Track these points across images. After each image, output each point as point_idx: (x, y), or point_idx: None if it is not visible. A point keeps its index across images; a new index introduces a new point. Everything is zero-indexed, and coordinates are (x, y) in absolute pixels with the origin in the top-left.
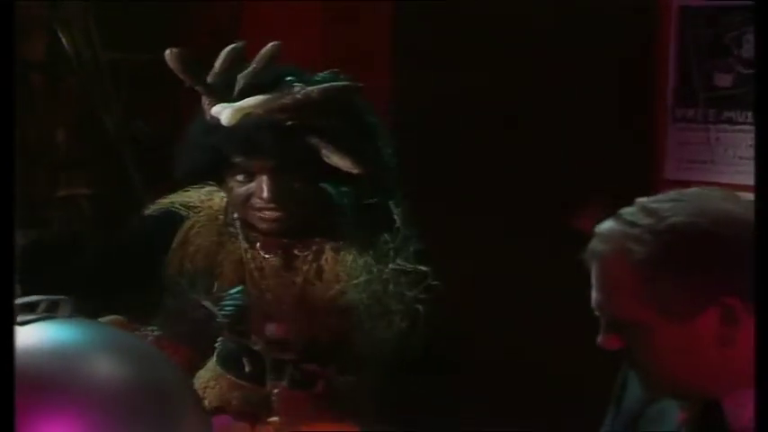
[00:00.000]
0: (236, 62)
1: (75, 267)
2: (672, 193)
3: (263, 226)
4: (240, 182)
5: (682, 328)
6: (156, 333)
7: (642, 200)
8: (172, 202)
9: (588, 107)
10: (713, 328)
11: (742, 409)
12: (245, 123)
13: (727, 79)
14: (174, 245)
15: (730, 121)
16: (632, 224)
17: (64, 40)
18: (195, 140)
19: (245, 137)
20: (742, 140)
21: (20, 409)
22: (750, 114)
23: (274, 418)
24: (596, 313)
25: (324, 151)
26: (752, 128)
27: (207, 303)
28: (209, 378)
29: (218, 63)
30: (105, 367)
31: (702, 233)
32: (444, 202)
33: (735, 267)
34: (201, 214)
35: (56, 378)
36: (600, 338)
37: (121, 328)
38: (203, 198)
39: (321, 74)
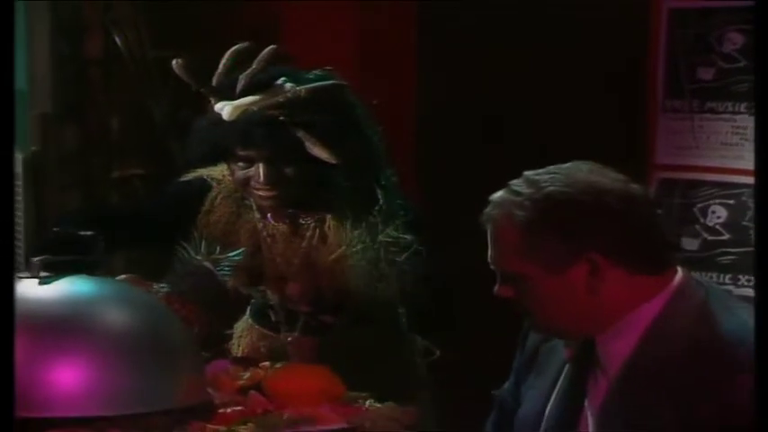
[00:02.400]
0: (239, 63)
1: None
2: (551, 168)
3: (262, 203)
4: (241, 167)
5: (557, 279)
6: (165, 290)
7: (527, 173)
8: (201, 174)
9: (588, 99)
10: (582, 280)
11: (610, 344)
12: (243, 118)
13: (710, 73)
14: (202, 210)
15: (712, 111)
16: (517, 193)
17: (117, 39)
18: (201, 133)
19: (243, 130)
20: (722, 128)
21: (40, 351)
22: (730, 104)
23: (265, 363)
24: (491, 267)
25: (307, 143)
26: (731, 116)
27: (207, 264)
28: (242, 329)
29: (221, 65)
30: (112, 316)
31: (571, 200)
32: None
33: (598, 229)
34: (223, 186)
35: (70, 324)
36: (496, 289)
37: (135, 284)
38: (225, 173)
39: (315, 72)
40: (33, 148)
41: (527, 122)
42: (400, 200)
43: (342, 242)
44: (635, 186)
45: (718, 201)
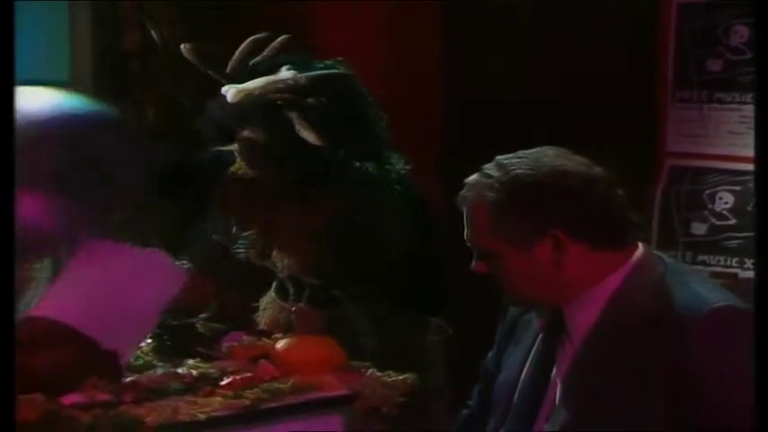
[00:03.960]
0: (255, 51)
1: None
2: (520, 152)
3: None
4: (244, 147)
5: (524, 254)
6: (186, 266)
7: (498, 157)
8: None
9: (602, 90)
10: (547, 255)
11: (576, 315)
12: (244, 101)
13: (718, 65)
14: (222, 182)
15: (720, 101)
16: (488, 176)
17: (153, 33)
18: (210, 114)
19: (242, 112)
20: (729, 117)
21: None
22: (737, 95)
23: (277, 335)
24: (468, 245)
25: (297, 125)
26: (738, 106)
27: (222, 241)
28: (266, 302)
29: (237, 52)
30: None
31: (536, 182)
32: None
33: (561, 208)
34: (243, 164)
35: None
36: (472, 265)
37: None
38: None
39: (325, 62)
40: None
41: (546, 114)
42: (402, 186)
43: (339, 213)
44: (597, 169)
45: (725, 187)
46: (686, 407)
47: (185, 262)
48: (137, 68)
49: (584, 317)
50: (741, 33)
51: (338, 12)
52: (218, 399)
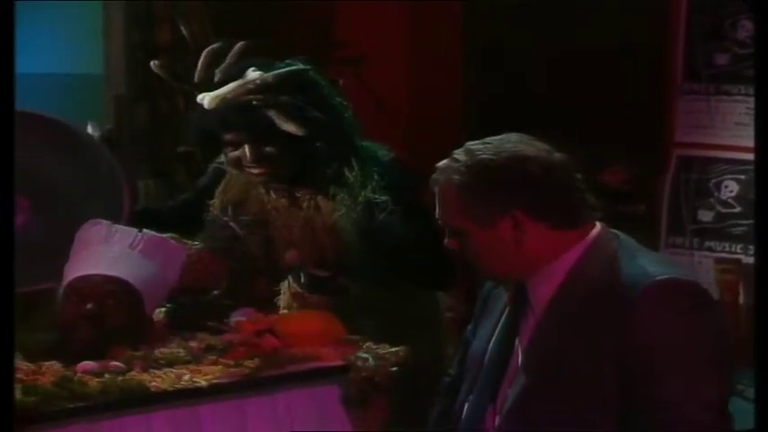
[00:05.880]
0: (216, 60)
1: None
2: (487, 139)
3: (255, 180)
4: (230, 150)
5: (488, 233)
6: (197, 247)
7: (468, 143)
8: (221, 162)
9: (615, 84)
10: (508, 233)
11: (537, 289)
12: (222, 106)
13: (725, 58)
14: (218, 190)
15: (727, 93)
16: (456, 160)
17: (183, 29)
18: (194, 122)
19: (223, 116)
20: (736, 109)
21: None
22: (743, 87)
23: (284, 311)
24: (439, 223)
25: (277, 121)
26: (744, 98)
27: (233, 224)
28: (285, 287)
29: (200, 63)
30: None
31: (498, 166)
32: None
33: (521, 190)
34: (234, 172)
35: None
36: (444, 242)
37: (177, 242)
38: None
39: (286, 61)
40: (108, 126)
41: (559, 105)
42: (378, 167)
43: (332, 209)
44: (557, 155)
45: (730, 176)
46: (635, 374)
47: (196, 244)
48: (167, 62)
49: (544, 290)
50: (747, 27)
51: (362, 9)
52: (220, 367)
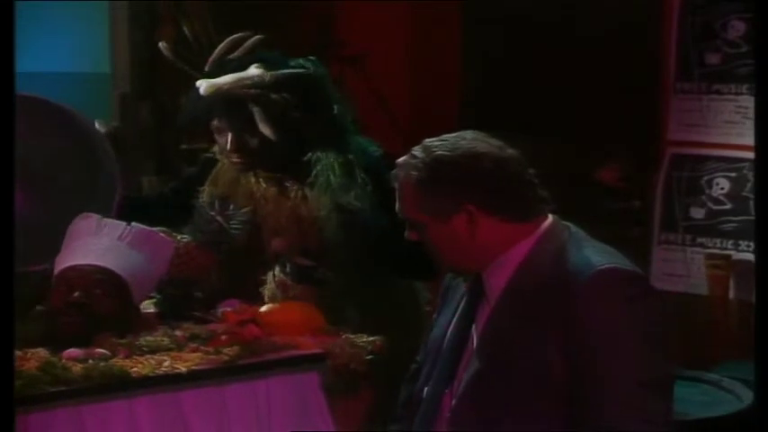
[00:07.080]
0: (232, 50)
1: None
2: (444, 136)
3: (236, 168)
4: (219, 137)
5: (444, 225)
6: (185, 239)
7: (425, 140)
8: (213, 152)
9: (610, 83)
10: (462, 226)
11: (491, 278)
12: (214, 95)
13: (716, 58)
14: (207, 181)
15: (718, 92)
16: (414, 157)
17: (186, 29)
18: (188, 106)
19: (211, 104)
20: (727, 108)
21: None
22: (733, 86)
23: (269, 300)
24: (399, 216)
25: (257, 119)
26: (735, 97)
27: (219, 219)
28: (271, 277)
29: (217, 50)
30: None
31: (452, 162)
32: None
33: (474, 185)
34: (225, 160)
35: None
36: (406, 234)
37: (165, 235)
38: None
39: (298, 60)
40: (114, 123)
41: (554, 105)
42: (363, 174)
43: (316, 206)
44: (510, 151)
45: (722, 174)
46: (580, 359)
47: (185, 237)
48: (171, 61)
49: (498, 280)
50: (737, 28)
51: (362, 9)
52: (200, 354)
